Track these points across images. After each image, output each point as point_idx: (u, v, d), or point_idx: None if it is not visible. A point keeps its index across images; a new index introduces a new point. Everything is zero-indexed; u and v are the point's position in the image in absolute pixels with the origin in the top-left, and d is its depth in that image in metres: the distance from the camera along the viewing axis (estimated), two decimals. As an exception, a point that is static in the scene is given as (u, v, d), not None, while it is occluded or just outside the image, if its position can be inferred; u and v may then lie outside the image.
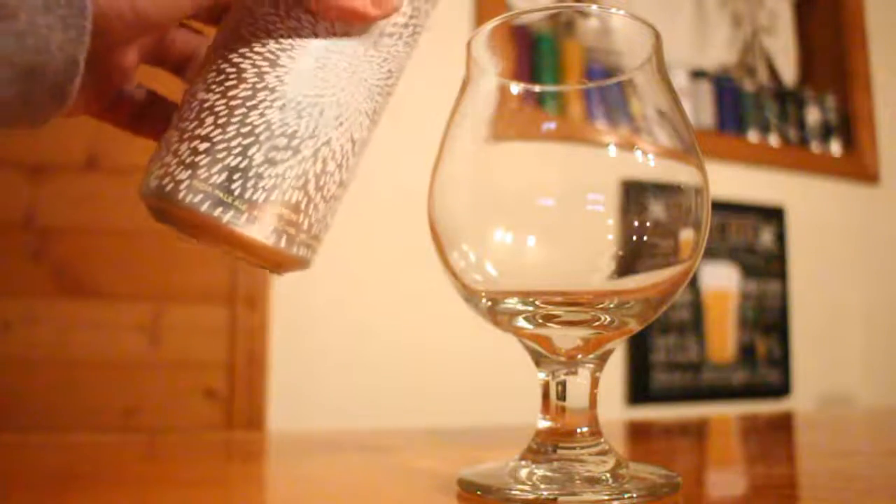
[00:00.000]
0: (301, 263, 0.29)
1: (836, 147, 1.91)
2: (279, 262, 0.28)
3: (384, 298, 1.34)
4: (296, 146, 0.27)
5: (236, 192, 0.26)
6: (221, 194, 0.26)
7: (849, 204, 1.87)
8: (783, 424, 0.67)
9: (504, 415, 0.69)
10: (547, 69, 0.33)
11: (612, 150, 0.31)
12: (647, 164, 0.31)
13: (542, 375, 0.33)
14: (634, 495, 0.29)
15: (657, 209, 0.31)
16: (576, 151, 0.33)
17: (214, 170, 0.26)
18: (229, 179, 0.26)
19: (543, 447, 0.32)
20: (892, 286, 1.88)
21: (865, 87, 1.93)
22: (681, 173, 0.32)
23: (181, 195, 0.26)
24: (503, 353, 0.74)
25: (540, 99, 0.35)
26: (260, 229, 0.27)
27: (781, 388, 1.72)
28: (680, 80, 1.71)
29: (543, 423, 0.33)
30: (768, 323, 1.72)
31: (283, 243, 0.27)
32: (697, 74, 1.76)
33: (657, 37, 0.33)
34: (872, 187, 1.91)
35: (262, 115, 0.27)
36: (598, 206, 0.30)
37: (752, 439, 0.58)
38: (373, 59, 0.29)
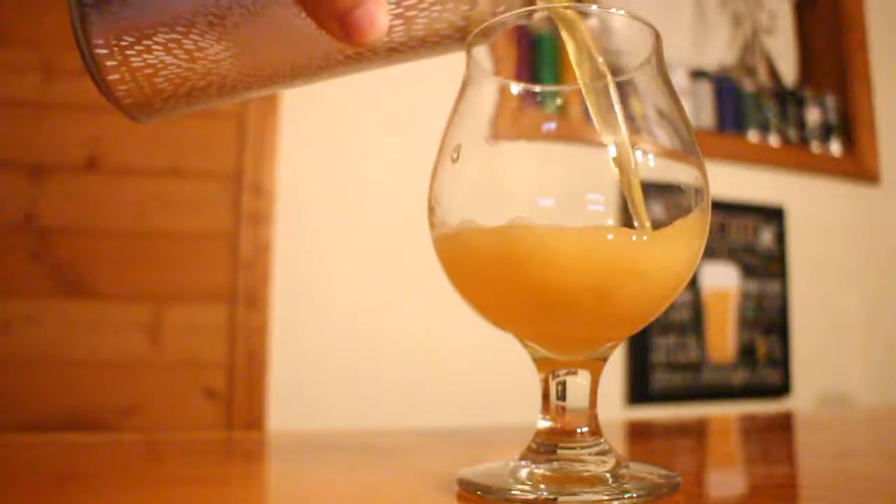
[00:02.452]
0: (129, 118, 0.32)
1: (836, 147, 1.91)
2: (114, 105, 0.31)
3: (384, 299, 1.34)
4: (195, 57, 0.29)
5: (123, 44, 0.28)
6: (111, 34, 0.28)
7: (849, 204, 1.87)
8: (783, 424, 0.67)
9: (504, 415, 0.69)
10: (547, 69, 0.33)
11: (612, 150, 0.31)
12: (647, 164, 0.31)
13: (542, 375, 0.33)
14: (634, 495, 0.29)
15: (657, 209, 0.31)
16: (576, 151, 0.33)
17: (124, 13, 0.28)
18: (126, 31, 0.28)
19: (543, 447, 0.32)
20: (892, 286, 1.88)
21: (865, 87, 1.93)
22: (681, 173, 0.32)
23: (88, 4, 0.28)
24: (503, 353, 0.74)
25: (540, 99, 0.35)
26: (116, 80, 0.29)
27: (781, 388, 1.72)
28: (680, 80, 1.71)
29: (543, 423, 0.33)
30: (768, 323, 1.72)
31: (125, 101, 0.30)
32: (697, 74, 1.76)
33: (657, 37, 0.33)
34: (872, 187, 1.91)
35: (193, 14, 0.28)
36: (598, 206, 0.30)
37: (752, 439, 0.58)
38: (316, 59, 0.30)
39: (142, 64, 0.28)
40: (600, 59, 0.31)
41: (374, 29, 0.27)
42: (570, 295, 0.31)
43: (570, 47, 0.31)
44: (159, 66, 0.29)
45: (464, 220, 0.32)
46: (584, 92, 0.31)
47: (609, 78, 0.31)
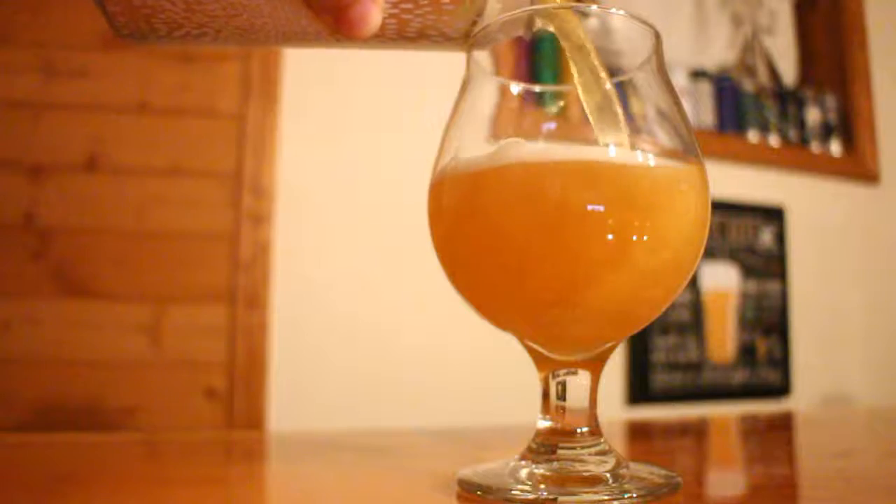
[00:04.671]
0: (126, 44, 0.34)
1: (836, 147, 1.91)
2: (114, 33, 0.32)
3: (384, 299, 1.34)
4: (193, 10, 0.30)
5: None
6: None
7: (849, 204, 1.87)
8: (783, 424, 0.67)
9: (504, 415, 0.69)
10: (547, 69, 0.33)
11: (612, 151, 0.31)
12: (648, 163, 0.31)
13: (541, 375, 0.33)
14: (634, 495, 0.29)
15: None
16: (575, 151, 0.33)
17: None
18: None
19: (543, 447, 0.32)
20: (892, 286, 1.88)
21: (865, 87, 1.93)
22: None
23: None
24: (503, 353, 0.74)
25: (540, 99, 0.35)
26: (115, 12, 0.31)
27: (781, 388, 1.72)
28: (680, 80, 1.71)
29: (543, 423, 0.33)
30: (768, 323, 1.72)
31: (123, 31, 0.32)
32: (697, 74, 1.76)
33: (657, 37, 0.33)
34: (872, 187, 1.91)
35: None
36: (598, 206, 0.30)
37: (752, 439, 0.58)
38: (309, 35, 0.32)
39: (141, 4, 0.30)
40: (601, 71, 0.31)
41: (366, 27, 0.28)
42: (567, 227, 0.29)
43: (568, 52, 0.31)
44: (158, 10, 0.30)
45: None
46: (581, 96, 0.32)
47: (610, 84, 0.31)
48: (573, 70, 0.31)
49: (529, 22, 0.32)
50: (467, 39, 0.33)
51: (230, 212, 1.25)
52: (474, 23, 0.31)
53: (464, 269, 0.34)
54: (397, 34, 0.31)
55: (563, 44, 0.32)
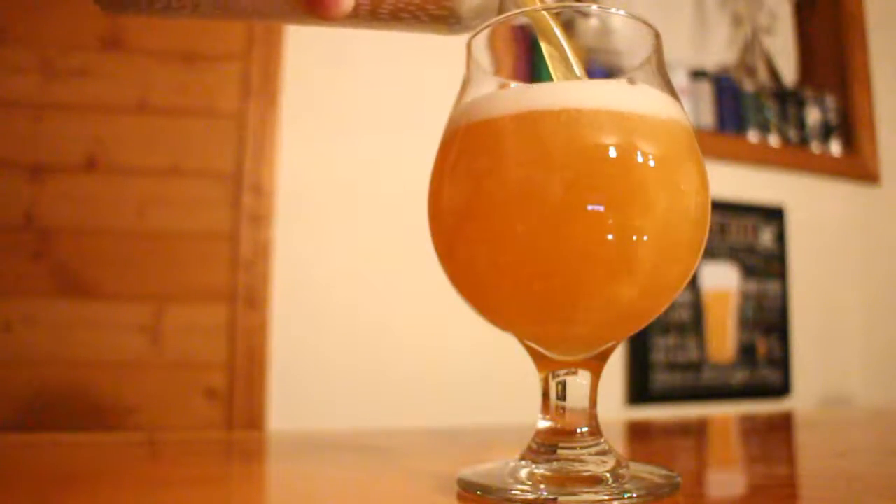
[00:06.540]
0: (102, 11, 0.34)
1: (836, 147, 1.91)
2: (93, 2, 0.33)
3: (384, 298, 1.34)
4: None
5: None
6: None
7: (849, 204, 1.87)
8: (783, 424, 0.67)
9: (504, 415, 0.69)
10: (547, 69, 0.33)
11: (612, 151, 0.31)
12: (648, 163, 0.31)
13: (542, 375, 0.33)
14: (634, 495, 0.29)
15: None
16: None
17: None
18: None
19: (543, 447, 0.32)
20: (892, 286, 1.88)
21: (865, 87, 1.93)
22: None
23: None
24: (503, 353, 0.74)
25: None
26: None
27: (781, 388, 1.72)
28: (680, 80, 1.71)
29: (543, 423, 0.33)
30: (768, 323, 1.72)
31: (106, 4, 0.32)
32: (697, 74, 1.76)
33: (657, 37, 0.33)
34: (872, 187, 1.91)
35: None
36: (598, 206, 0.30)
37: (752, 439, 0.58)
38: (286, 14, 0.32)
39: None
40: (576, 66, 0.32)
41: (338, 9, 0.29)
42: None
43: (545, 52, 0.32)
44: None
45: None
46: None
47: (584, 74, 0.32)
48: (549, 63, 0.32)
49: (501, 8, 0.33)
50: (444, 22, 0.33)
51: (230, 212, 1.25)
52: (448, 7, 0.32)
53: (463, 265, 0.34)
54: (371, 15, 0.32)
55: (541, 42, 0.32)
